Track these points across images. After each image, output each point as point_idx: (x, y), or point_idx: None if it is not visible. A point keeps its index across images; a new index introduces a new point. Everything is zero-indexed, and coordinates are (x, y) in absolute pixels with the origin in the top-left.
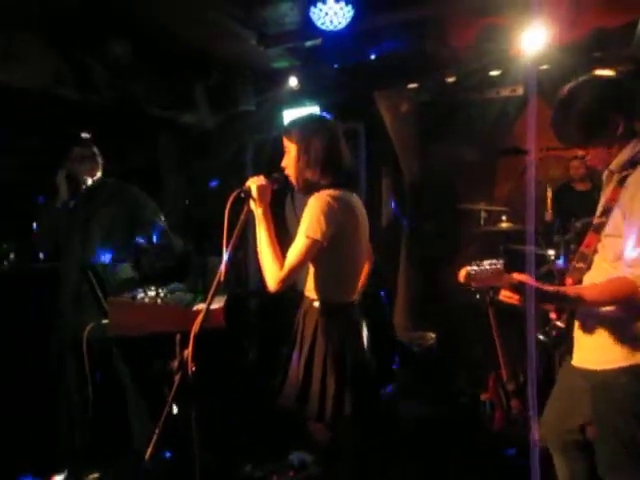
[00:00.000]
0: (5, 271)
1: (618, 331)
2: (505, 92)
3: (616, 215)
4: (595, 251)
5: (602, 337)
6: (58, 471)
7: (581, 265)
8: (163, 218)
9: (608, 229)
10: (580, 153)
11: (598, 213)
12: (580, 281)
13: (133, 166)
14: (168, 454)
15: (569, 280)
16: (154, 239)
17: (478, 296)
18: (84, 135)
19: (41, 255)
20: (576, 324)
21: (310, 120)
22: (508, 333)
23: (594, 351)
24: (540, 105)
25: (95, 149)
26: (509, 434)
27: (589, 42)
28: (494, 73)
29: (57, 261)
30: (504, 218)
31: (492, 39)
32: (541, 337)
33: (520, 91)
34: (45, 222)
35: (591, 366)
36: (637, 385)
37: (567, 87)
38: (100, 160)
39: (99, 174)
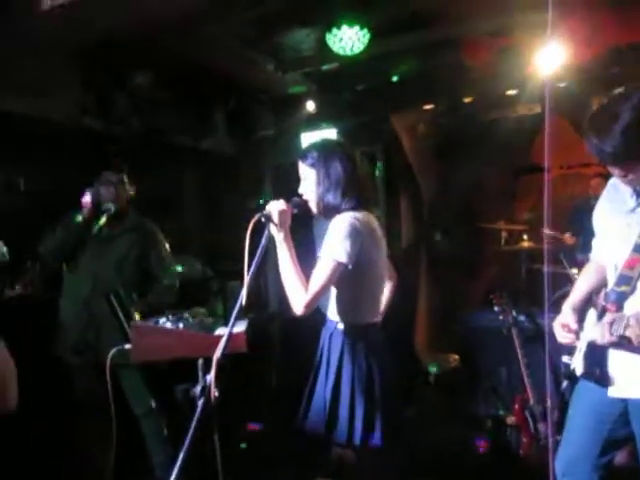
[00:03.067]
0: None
1: None
2: (522, 111)
3: None
4: (639, 273)
5: None
6: None
7: (624, 289)
8: (171, 258)
9: None
10: (617, 172)
11: (638, 233)
12: (622, 306)
13: (154, 192)
14: None
15: (610, 306)
16: (161, 278)
17: (501, 317)
18: (116, 160)
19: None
20: (616, 354)
21: (328, 144)
22: (533, 354)
23: None
24: (558, 123)
25: (124, 176)
26: (537, 460)
27: (605, 60)
28: (511, 92)
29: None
30: (525, 237)
31: (508, 59)
32: (566, 359)
33: (537, 109)
34: (61, 236)
35: None
36: None
37: (604, 102)
38: (127, 188)
39: (124, 202)
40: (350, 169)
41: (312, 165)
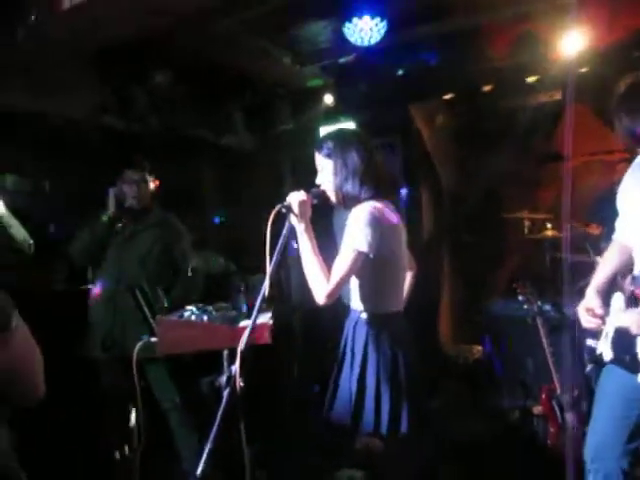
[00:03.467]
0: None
1: None
2: (543, 98)
3: None
4: None
5: None
6: None
7: None
8: (194, 255)
9: None
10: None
11: None
12: None
13: (176, 189)
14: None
15: (639, 292)
16: (183, 273)
17: (526, 306)
18: (138, 158)
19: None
20: None
21: (343, 134)
22: (558, 344)
23: None
24: (580, 109)
25: (147, 174)
26: (566, 449)
27: (628, 43)
28: (531, 79)
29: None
30: (549, 226)
31: (528, 46)
32: (591, 343)
33: (558, 96)
34: (88, 236)
35: None
36: None
37: (635, 81)
38: (150, 185)
39: (148, 199)
40: (367, 158)
41: (328, 155)
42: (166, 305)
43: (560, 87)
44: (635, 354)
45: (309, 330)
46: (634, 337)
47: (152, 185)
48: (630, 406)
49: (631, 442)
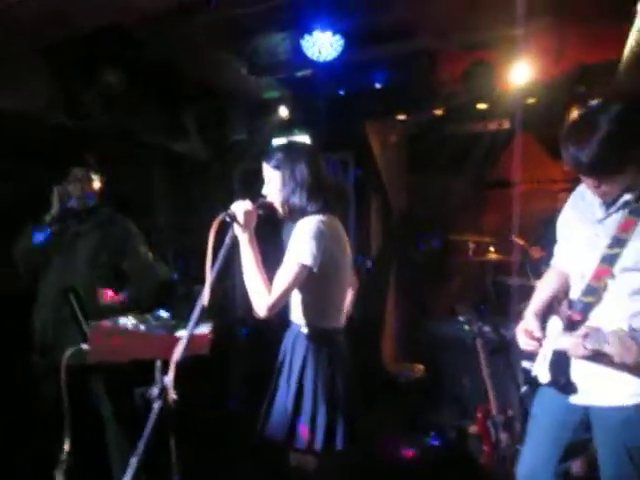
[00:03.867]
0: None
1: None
2: (492, 126)
3: (638, 248)
4: (606, 284)
5: (623, 374)
6: None
7: (590, 299)
8: (148, 251)
9: (626, 262)
10: (591, 183)
11: (606, 244)
12: (587, 317)
13: (123, 192)
14: None
15: (576, 316)
16: (137, 271)
17: (466, 327)
18: (84, 157)
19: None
20: (580, 363)
21: (293, 146)
22: (496, 365)
23: (617, 387)
24: (527, 138)
25: (93, 173)
26: (498, 469)
27: (573, 78)
28: (481, 107)
29: (34, 280)
30: (492, 249)
31: (480, 73)
32: (527, 365)
33: (506, 125)
34: (30, 236)
35: (616, 402)
36: None
37: (583, 112)
38: (96, 184)
39: (94, 198)
40: (315, 171)
41: (277, 167)
42: (115, 306)
43: (508, 116)
44: (569, 376)
45: (254, 345)
46: (569, 360)
47: (98, 184)
48: (563, 428)
49: (562, 463)
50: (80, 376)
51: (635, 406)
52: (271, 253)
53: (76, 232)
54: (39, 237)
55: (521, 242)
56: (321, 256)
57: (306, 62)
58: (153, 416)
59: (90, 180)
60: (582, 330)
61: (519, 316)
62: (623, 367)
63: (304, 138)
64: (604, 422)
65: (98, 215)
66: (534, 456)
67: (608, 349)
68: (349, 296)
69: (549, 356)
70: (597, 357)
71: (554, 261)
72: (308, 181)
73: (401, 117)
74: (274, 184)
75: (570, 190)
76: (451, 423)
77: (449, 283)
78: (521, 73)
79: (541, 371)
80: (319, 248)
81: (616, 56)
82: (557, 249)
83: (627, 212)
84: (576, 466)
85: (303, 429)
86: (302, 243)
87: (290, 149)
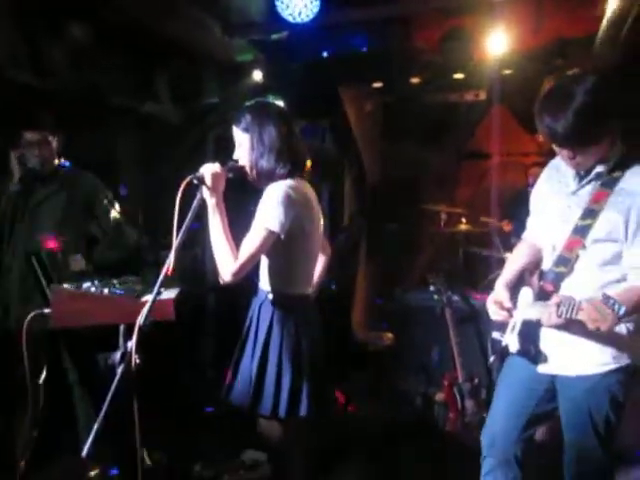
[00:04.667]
0: None
1: (609, 335)
2: (469, 96)
3: (610, 219)
4: (577, 255)
5: (591, 343)
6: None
7: (561, 269)
8: (118, 209)
9: (598, 233)
10: (565, 154)
11: (579, 215)
12: (559, 287)
13: (91, 155)
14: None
15: (548, 286)
16: (107, 230)
17: (436, 297)
18: (36, 118)
19: None
20: (548, 333)
21: (262, 108)
22: (464, 334)
23: (584, 357)
24: (502, 110)
25: (48, 134)
26: (463, 435)
27: (551, 50)
28: (458, 76)
29: None
30: (464, 220)
31: (457, 41)
32: (497, 335)
33: (483, 96)
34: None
35: (582, 371)
36: (621, 386)
37: (558, 82)
38: (55, 145)
39: (54, 160)
40: (285, 133)
41: (246, 129)
42: (86, 269)
43: (485, 87)
44: (538, 345)
45: (224, 312)
46: (539, 329)
47: (56, 145)
48: (529, 395)
49: (526, 430)
50: (43, 341)
51: (601, 375)
52: (242, 220)
53: (40, 197)
54: (2, 202)
55: (490, 220)
56: (289, 222)
57: (281, 24)
58: (115, 381)
59: (48, 142)
60: (554, 299)
61: (489, 286)
62: (593, 336)
63: (278, 104)
64: (570, 391)
65: (60, 175)
66: (499, 423)
67: (581, 316)
68: (321, 263)
69: (518, 326)
70: (569, 326)
71: (526, 234)
72: (277, 144)
73: (377, 85)
74: (244, 148)
75: (542, 164)
76: (418, 390)
77: (420, 253)
78: (498, 42)
79: (511, 341)
80: (287, 214)
81: (594, 29)
82: (530, 222)
83: (599, 184)
84: (540, 433)
85: (267, 395)
86: (269, 209)
87: (259, 110)
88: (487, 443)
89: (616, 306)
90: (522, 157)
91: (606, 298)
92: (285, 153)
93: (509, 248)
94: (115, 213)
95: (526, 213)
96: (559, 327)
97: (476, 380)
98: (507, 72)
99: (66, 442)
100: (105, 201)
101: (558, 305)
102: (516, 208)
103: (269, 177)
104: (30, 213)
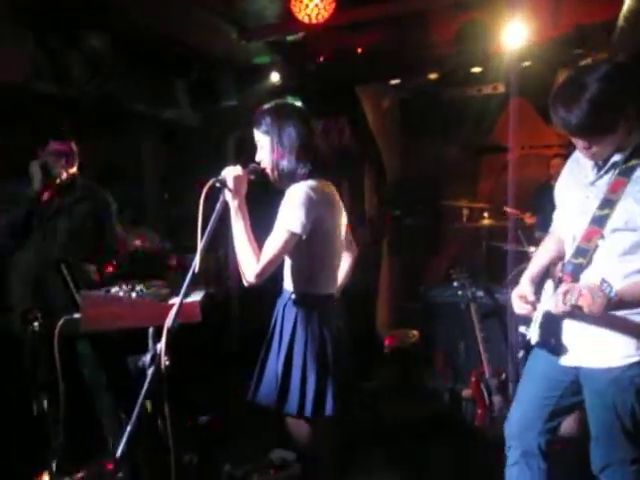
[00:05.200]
0: None
1: (633, 327)
2: (487, 90)
3: (627, 208)
4: (596, 245)
5: (614, 334)
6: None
7: (580, 260)
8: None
9: (616, 223)
10: (581, 144)
11: (597, 205)
12: (578, 278)
13: (112, 161)
14: None
15: (567, 277)
16: (111, 242)
17: (460, 292)
18: (63, 128)
19: None
20: (571, 324)
21: (281, 109)
22: (490, 330)
23: (607, 348)
24: (520, 102)
25: (73, 144)
26: (492, 431)
27: (570, 38)
28: (476, 70)
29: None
30: (486, 215)
31: (473, 35)
32: (523, 329)
33: (501, 88)
34: (13, 211)
35: (605, 364)
36: None
37: (572, 73)
38: (76, 156)
39: (74, 169)
40: (305, 133)
41: (266, 132)
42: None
43: (504, 80)
44: (559, 337)
45: (249, 313)
46: (559, 321)
47: (77, 156)
48: (553, 386)
49: (550, 421)
50: (73, 345)
51: (625, 367)
52: (264, 221)
53: (59, 205)
54: (21, 212)
55: (514, 212)
56: (310, 223)
57: (296, 25)
58: (147, 383)
59: (73, 152)
60: (563, 287)
61: (514, 280)
62: (616, 327)
63: (296, 104)
64: (593, 383)
65: (78, 188)
66: (522, 414)
67: (581, 302)
68: (347, 262)
69: (539, 318)
70: (579, 315)
71: (552, 227)
72: (297, 144)
73: (394, 81)
74: (265, 150)
75: (564, 155)
76: (445, 387)
77: (444, 249)
78: (516, 34)
79: (533, 333)
80: (308, 215)
81: (613, 15)
82: (555, 215)
83: (616, 173)
84: (566, 426)
85: (293, 394)
86: (291, 210)
87: (278, 112)
88: (510, 434)
89: (607, 289)
90: (544, 149)
91: (602, 282)
92: (305, 153)
93: (533, 242)
94: (119, 230)
95: (549, 205)
96: (569, 315)
97: (503, 375)
98: (526, 64)
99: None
100: (113, 220)
101: (565, 293)
102: (539, 201)
103: (290, 178)
104: (48, 220)
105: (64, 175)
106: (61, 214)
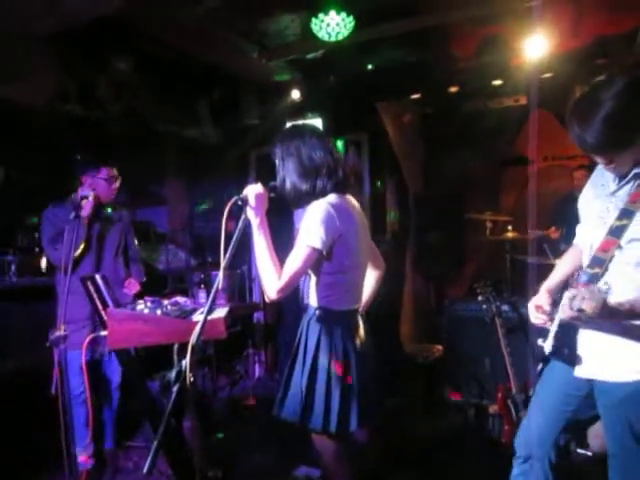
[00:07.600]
0: (9, 285)
1: None
2: (508, 102)
3: None
4: (612, 256)
5: (629, 348)
6: None
7: (596, 270)
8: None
9: (633, 233)
10: (601, 160)
11: (616, 216)
12: None
13: (137, 180)
14: None
15: (582, 287)
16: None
17: (485, 306)
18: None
19: (43, 268)
20: (586, 336)
21: (299, 131)
22: (515, 344)
23: (621, 362)
24: (543, 114)
25: (116, 172)
26: None
27: (591, 50)
28: (496, 83)
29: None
30: (510, 228)
31: (494, 48)
32: (541, 342)
33: (523, 100)
34: (69, 237)
35: (619, 378)
36: None
37: (587, 89)
38: (118, 183)
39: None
40: (322, 153)
41: (283, 155)
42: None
43: (525, 92)
44: (574, 348)
45: (273, 328)
46: (574, 331)
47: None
48: (567, 401)
49: (563, 435)
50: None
51: (639, 382)
52: (286, 237)
53: (106, 226)
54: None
55: (539, 232)
56: (330, 239)
57: (316, 43)
58: (172, 399)
59: (118, 177)
60: (569, 292)
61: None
62: (631, 339)
63: (316, 121)
64: (607, 398)
65: (114, 210)
66: (534, 427)
67: (585, 305)
68: (373, 277)
69: (554, 328)
70: (588, 322)
71: (575, 239)
72: (315, 165)
73: (415, 96)
74: (283, 172)
75: (586, 167)
76: (471, 402)
77: (468, 262)
78: (536, 46)
79: (548, 344)
80: (327, 231)
81: (634, 27)
82: (578, 227)
83: (637, 184)
84: (598, 445)
85: (318, 411)
86: (311, 226)
87: (296, 134)
88: (521, 446)
89: (604, 288)
90: (567, 160)
91: (604, 284)
92: (324, 172)
93: (559, 254)
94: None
95: (573, 217)
96: (575, 320)
97: (530, 390)
98: (547, 75)
99: None
100: (134, 240)
101: (572, 298)
102: (562, 212)
103: (309, 197)
104: (96, 244)
105: (112, 198)
106: (106, 237)
